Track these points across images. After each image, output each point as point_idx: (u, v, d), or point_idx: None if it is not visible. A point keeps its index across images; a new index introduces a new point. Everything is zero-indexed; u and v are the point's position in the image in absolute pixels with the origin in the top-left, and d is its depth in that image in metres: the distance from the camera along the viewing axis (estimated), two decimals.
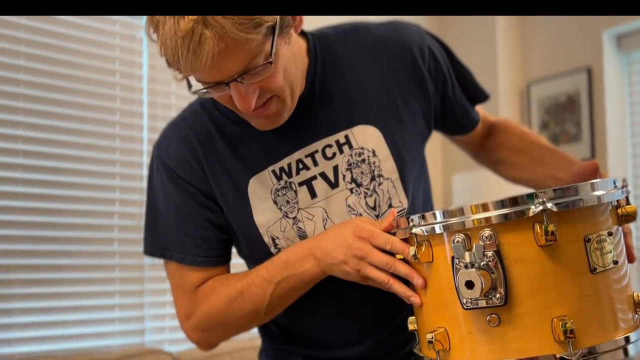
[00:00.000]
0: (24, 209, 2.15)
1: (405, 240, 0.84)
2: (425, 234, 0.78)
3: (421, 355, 0.84)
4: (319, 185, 0.98)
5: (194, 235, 1.00)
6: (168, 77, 2.49)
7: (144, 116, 2.44)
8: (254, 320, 1.00)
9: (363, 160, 0.99)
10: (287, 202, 0.98)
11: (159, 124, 2.41)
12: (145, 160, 2.41)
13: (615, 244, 0.76)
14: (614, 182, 0.78)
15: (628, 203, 0.80)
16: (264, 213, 0.98)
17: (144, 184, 2.33)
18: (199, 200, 1.00)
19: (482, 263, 0.72)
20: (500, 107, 3.23)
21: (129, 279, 2.37)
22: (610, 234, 0.76)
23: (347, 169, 0.98)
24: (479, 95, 1.15)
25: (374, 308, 1.01)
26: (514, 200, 0.72)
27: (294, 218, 0.98)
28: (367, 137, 0.99)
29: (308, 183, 0.98)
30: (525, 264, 0.72)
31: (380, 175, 0.99)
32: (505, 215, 0.72)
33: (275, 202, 0.98)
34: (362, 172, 0.98)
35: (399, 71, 1.02)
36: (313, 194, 0.98)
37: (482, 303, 0.72)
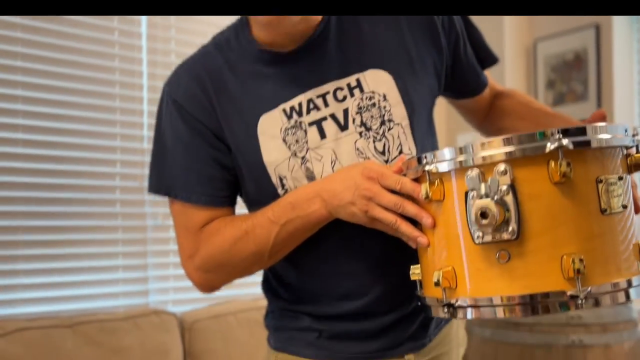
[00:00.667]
0: (26, 170, 2.13)
1: (415, 181, 0.83)
2: (440, 170, 0.78)
3: (424, 297, 0.84)
4: (329, 126, 0.98)
5: (200, 174, 1.00)
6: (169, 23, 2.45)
7: (143, 75, 2.41)
8: (257, 262, 0.99)
9: (373, 105, 0.98)
10: (297, 141, 0.97)
11: (159, 84, 2.38)
12: (146, 120, 2.39)
13: (625, 190, 0.77)
14: (625, 129, 0.79)
15: (638, 152, 0.80)
16: (273, 152, 0.98)
17: (145, 145, 2.35)
18: (207, 139, 1.00)
19: (496, 197, 0.72)
20: (506, 66, 3.18)
21: (132, 240, 2.37)
22: (620, 178, 0.76)
23: (357, 112, 0.98)
24: (488, 58, 1.15)
25: (378, 255, 1.00)
26: (530, 137, 0.73)
27: (303, 158, 0.97)
28: (378, 81, 0.99)
29: (318, 124, 0.98)
30: (538, 200, 0.73)
31: (390, 120, 0.99)
32: (522, 150, 0.72)
33: (284, 140, 0.97)
34: (371, 116, 0.98)
35: (414, 24, 1.02)
36: (322, 135, 0.98)
37: (494, 237, 0.73)
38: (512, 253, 0.73)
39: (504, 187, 0.72)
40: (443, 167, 0.77)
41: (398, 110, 0.99)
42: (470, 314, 0.76)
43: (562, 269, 0.71)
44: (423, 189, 0.79)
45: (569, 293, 0.71)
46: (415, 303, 0.99)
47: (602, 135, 0.75)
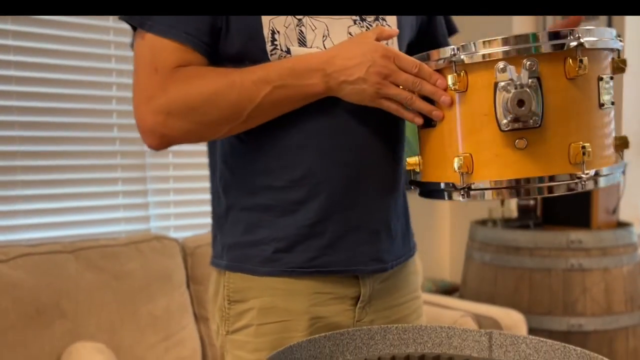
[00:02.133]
0: (22, 108, 2.10)
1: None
2: (467, 62, 0.81)
3: (426, 182, 0.90)
4: None
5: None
6: None
7: None
8: (231, 120, 0.90)
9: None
10: None
11: None
12: None
13: (611, 88, 0.86)
14: (613, 33, 0.87)
15: (619, 56, 0.89)
16: None
17: None
18: None
19: (527, 87, 0.78)
20: None
21: (131, 166, 2.35)
22: (611, 78, 0.85)
23: None
24: (453, 27, 1.15)
25: (366, 146, 0.95)
26: (554, 35, 0.80)
27: (300, 20, 0.91)
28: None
29: None
30: (554, 94, 0.80)
31: (383, 19, 0.97)
32: (547, 46, 0.79)
33: None
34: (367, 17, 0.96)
35: None
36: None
37: (519, 125, 0.79)
38: (530, 140, 0.80)
39: (532, 81, 0.78)
40: (471, 58, 0.81)
41: (390, 19, 0.98)
42: (489, 195, 0.83)
43: (569, 156, 0.81)
44: (450, 79, 0.83)
45: (577, 174, 0.81)
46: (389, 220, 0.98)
47: (610, 37, 0.84)
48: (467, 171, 0.83)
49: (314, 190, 0.94)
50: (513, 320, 2.25)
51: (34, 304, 1.88)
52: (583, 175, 0.81)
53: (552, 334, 2.42)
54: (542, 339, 0.76)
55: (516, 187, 0.82)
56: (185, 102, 0.88)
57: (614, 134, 0.88)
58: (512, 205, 2.84)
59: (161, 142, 0.91)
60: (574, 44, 0.78)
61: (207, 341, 2.24)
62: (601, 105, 0.83)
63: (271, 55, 0.90)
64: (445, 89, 0.84)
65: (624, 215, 2.70)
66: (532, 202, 2.70)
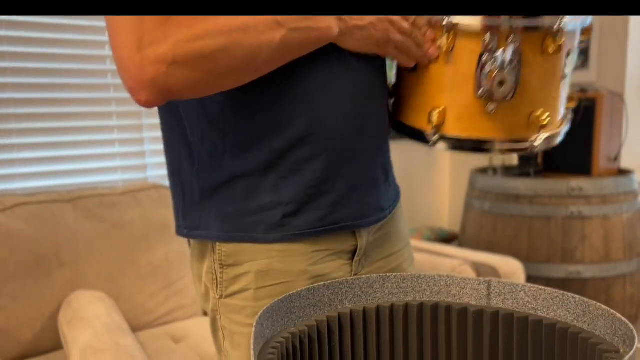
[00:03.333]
0: (14, 54, 2.06)
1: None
2: (461, 27, 0.86)
3: (408, 124, 0.96)
4: None
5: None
6: None
7: None
8: (244, 69, 0.81)
9: None
10: None
11: None
12: None
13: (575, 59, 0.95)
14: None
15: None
16: None
17: None
18: None
19: (507, 66, 0.84)
20: None
21: (126, 113, 2.32)
22: (570, 53, 0.92)
23: None
24: None
25: (364, 96, 0.92)
26: (537, 17, 0.84)
27: None
28: None
29: None
30: (529, 68, 0.86)
31: None
32: (527, 22, 0.84)
33: None
34: None
35: None
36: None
37: (494, 98, 0.85)
38: (500, 106, 0.87)
39: (513, 57, 0.84)
40: (462, 23, 0.86)
41: None
42: (453, 146, 0.91)
43: (529, 122, 0.89)
44: (440, 38, 0.88)
45: (535, 137, 0.89)
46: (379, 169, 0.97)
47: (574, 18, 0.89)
48: (439, 123, 0.91)
49: (319, 146, 0.89)
50: (512, 268, 2.26)
51: (33, 253, 1.88)
52: (539, 139, 0.90)
53: (550, 281, 2.43)
54: (540, 286, 0.76)
55: (479, 147, 0.91)
56: (194, 48, 0.75)
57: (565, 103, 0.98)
58: None
59: (160, 97, 0.78)
60: (556, 26, 0.84)
61: None
62: (563, 77, 0.91)
63: None
64: (434, 41, 0.91)
65: (625, 162, 2.68)
66: None
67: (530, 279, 2.41)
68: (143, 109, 2.32)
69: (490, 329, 0.77)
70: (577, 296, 0.76)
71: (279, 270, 0.92)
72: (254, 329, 0.65)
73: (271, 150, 0.89)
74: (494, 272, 2.21)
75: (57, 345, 1.84)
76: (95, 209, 2.04)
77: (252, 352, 0.62)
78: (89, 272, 1.97)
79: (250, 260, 0.91)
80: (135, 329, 1.98)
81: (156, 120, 2.36)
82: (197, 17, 0.77)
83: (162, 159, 2.43)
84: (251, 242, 0.90)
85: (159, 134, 2.38)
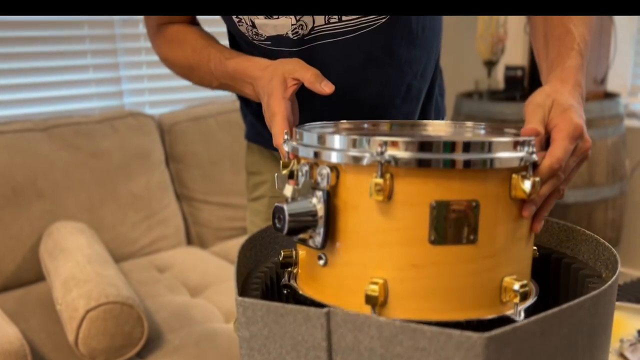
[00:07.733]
0: None
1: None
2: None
3: None
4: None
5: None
6: None
7: None
8: (208, 88, 0.98)
9: None
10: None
11: None
12: None
13: None
14: None
15: None
16: None
17: None
18: None
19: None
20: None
21: (99, 36, 2.21)
22: None
23: None
24: None
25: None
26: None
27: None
28: None
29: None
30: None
31: None
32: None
33: None
34: None
35: None
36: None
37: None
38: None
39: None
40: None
41: None
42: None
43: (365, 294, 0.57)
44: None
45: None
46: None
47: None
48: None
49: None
50: None
51: (9, 183, 1.82)
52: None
53: None
54: None
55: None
56: (167, 63, 0.99)
57: None
58: (499, 77, 2.77)
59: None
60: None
61: (189, 220, 2.22)
62: None
63: (239, 25, 0.89)
64: None
65: (612, 85, 2.65)
66: (519, 73, 2.62)
67: None
68: (117, 31, 2.21)
69: None
70: (561, 222, 0.76)
71: None
72: (236, 259, 0.64)
73: None
74: None
75: (39, 276, 1.81)
76: (72, 137, 1.97)
77: (234, 284, 0.60)
78: (68, 202, 1.92)
79: (268, 170, 1.03)
80: (118, 259, 1.96)
81: (131, 44, 2.26)
82: (176, 39, 0.97)
83: (139, 85, 2.33)
84: (265, 146, 1.02)
85: (134, 58, 2.28)
